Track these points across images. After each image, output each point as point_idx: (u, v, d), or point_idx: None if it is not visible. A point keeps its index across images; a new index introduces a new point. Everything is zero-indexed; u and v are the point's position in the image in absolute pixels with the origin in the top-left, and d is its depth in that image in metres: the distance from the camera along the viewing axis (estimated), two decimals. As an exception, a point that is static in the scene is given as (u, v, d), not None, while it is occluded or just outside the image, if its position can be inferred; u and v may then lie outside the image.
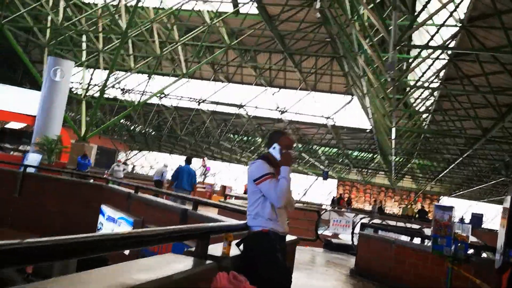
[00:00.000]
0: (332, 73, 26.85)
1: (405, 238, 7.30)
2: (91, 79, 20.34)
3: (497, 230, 25.33)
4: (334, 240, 9.48)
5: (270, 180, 3.24)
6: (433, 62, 13.12)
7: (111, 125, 31.92)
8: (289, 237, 4.18)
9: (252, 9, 20.51)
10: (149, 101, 32.08)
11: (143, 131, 40.18)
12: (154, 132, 39.95)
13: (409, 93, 14.71)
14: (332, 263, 8.25)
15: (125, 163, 17.24)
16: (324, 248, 9.65)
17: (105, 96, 27.30)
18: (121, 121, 39.38)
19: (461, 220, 30.38)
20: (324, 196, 51.83)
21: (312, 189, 52.30)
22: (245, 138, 37.26)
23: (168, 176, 15.35)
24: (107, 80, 17.55)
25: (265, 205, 3.27)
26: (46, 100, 15.84)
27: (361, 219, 11.65)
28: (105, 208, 9.08)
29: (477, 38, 11.84)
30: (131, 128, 38.98)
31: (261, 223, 3.25)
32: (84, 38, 21.32)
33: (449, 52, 13.56)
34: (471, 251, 5.58)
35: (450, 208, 5.39)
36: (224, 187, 21.72)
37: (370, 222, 10.25)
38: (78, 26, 19.83)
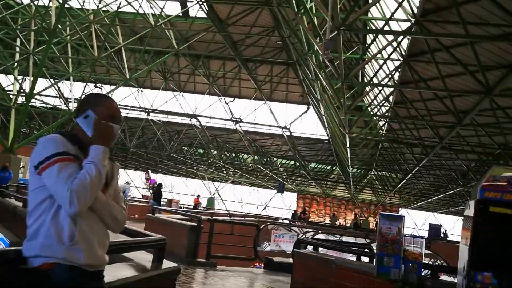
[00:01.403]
0: (288, 81, 25.95)
1: (350, 256, 6.17)
2: (20, 85, 18.45)
3: (457, 242, 24.76)
4: (275, 259, 8.23)
5: (61, 164, 1.89)
6: (385, 61, 12.25)
7: (42, 136, 29.64)
8: (166, 264, 2.89)
9: (201, 12, 19.37)
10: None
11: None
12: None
13: (361, 92, 13.82)
14: None
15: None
16: (264, 268, 8.38)
17: (41, 105, 25.40)
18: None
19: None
20: (285, 210, 50.88)
21: (272, 203, 51.31)
22: (200, 151, 35.78)
23: (130, 194, 14.58)
24: (33, 85, 15.84)
25: (56, 215, 1.88)
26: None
27: (314, 234, 10.48)
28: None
29: (433, 34, 11.04)
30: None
31: (43, 251, 1.86)
32: (18, 41, 19.52)
33: (403, 52, 12.77)
34: (426, 272, 4.41)
35: (399, 218, 4.22)
36: (170, 201, 20.30)
37: (311, 237, 9.03)
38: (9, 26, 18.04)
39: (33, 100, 28.34)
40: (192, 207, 25.39)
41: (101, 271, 2.05)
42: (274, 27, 19.79)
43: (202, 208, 24.53)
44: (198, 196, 27.02)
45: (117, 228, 2.11)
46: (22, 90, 17.81)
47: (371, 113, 19.68)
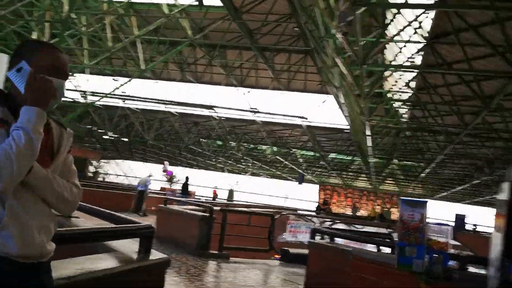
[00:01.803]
0: (306, 70, 25.37)
1: (371, 247, 5.75)
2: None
3: (484, 233, 23.95)
4: (291, 250, 7.87)
5: None
6: (405, 44, 11.67)
7: None
8: (156, 254, 2.55)
9: (216, 0, 18.98)
10: (113, 104, 30.36)
11: (111, 137, 38.20)
12: (124, 138, 37.99)
13: (379, 77, 13.28)
14: (289, 281, 6.63)
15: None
16: (280, 260, 8.03)
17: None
18: (88, 127, 37.45)
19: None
20: (306, 202, 50.41)
21: (292, 195, 50.89)
22: (218, 143, 35.54)
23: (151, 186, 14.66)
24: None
25: None
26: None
27: (331, 224, 10.04)
28: None
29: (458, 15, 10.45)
30: (92, 133, 36.96)
31: None
32: (35, 34, 19.46)
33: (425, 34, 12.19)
34: (452, 264, 3.98)
35: (422, 204, 3.79)
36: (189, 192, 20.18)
37: (330, 226, 8.56)
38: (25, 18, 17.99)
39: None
40: (211, 199, 25.23)
41: (43, 263, 1.66)
42: (290, 14, 19.26)
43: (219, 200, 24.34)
44: (216, 187, 26.81)
45: (66, 209, 1.74)
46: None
47: (392, 100, 19.09)
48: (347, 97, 17.09)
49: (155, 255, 2.57)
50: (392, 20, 11.51)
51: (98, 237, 2.26)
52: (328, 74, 19.39)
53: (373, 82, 12.81)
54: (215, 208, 8.42)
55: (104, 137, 37.55)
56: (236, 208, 11.94)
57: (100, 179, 46.43)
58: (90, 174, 46.33)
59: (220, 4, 19.34)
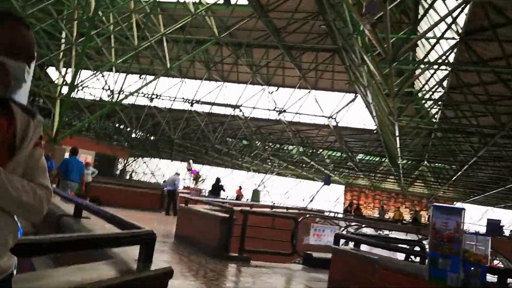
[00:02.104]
0: (333, 69, 24.91)
1: (400, 256, 5.36)
2: (63, 76, 18.57)
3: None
4: (315, 254, 7.54)
5: None
6: (438, 40, 11.12)
7: (84, 126, 30.27)
8: (157, 264, 2.30)
9: (242, -1, 18.81)
10: (140, 103, 30.57)
11: (139, 136, 38.55)
12: (151, 137, 38.29)
13: (410, 75, 12.76)
14: None
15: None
16: (303, 264, 7.71)
17: (89, 97, 25.73)
18: (117, 126, 37.89)
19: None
20: (332, 203, 49.75)
21: (319, 196, 50.27)
22: (244, 142, 35.37)
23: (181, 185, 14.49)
24: (75, 76, 15.81)
25: None
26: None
27: (357, 228, 9.63)
28: None
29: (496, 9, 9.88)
30: (121, 131, 37.33)
31: None
32: (63, 34, 19.71)
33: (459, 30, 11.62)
34: (492, 278, 3.59)
35: (457, 211, 3.43)
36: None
37: (357, 231, 8.14)
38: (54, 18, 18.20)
39: (81, 92, 29.10)
40: (235, 198, 25.04)
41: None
42: (317, 12, 18.88)
43: (246, 200, 24.13)
44: (240, 187, 26.59)
45: (30, 216, 1.43)
46: (65, 82, 17.85)
47: (423, 99, 18.44)
48: (376, 97, 16.60)
49: (156, 264, 2.31)
50: (424, 15, 11.01)
51: (83, 246, 1.98)
52: (356, 73, 18.93)
53: (403, 80, 12.30)
54: (236, 209, 8.17)
55: (132, 135, 37.93)
56: (257, 210, 11.65)
57: (127, 177, 46.98)
58: (118, 172, 46.89)
59: (246, 2, 19.21)
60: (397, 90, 11.22)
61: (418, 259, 5.32)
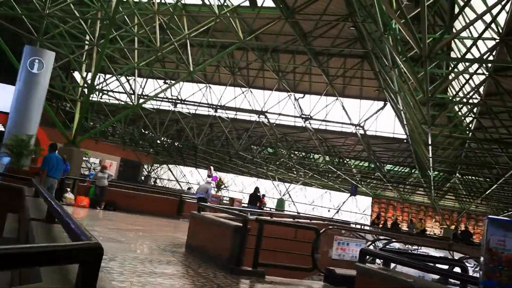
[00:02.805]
0: (362, 75, 24.04)
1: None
2: (84, 78, 18.34)
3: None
4: (338, 270, 6.76)
5: None
6: (475, 41, 10.23)
7: (103, 128, 30.21)
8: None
9: (269, 1, 18.23)
10: (164, 108, 30.33)
11: (164, 142, 38.37)
12: (175, 143, 38.03)
13: (444, 80, 11.88)
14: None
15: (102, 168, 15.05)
16: (324, 281, 6.94)
17: (114, 101, 25.53)
18: (142, 131, 37.80)
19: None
20: (358, 215, 48.40)
21: (345, 206, 49.00)
22: (270, 150, 34.68)
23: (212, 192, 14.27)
24: (94, 77, 15.51)
25: None
26: (21, 95, 13.89)
27: (386, 243, 8.78)
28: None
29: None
30: (145, 137, 37.18)
31: None
32: (87, 36, 19.55)
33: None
34: None
35: (520, 228, 2.65)
36: (232, 200, 19.31)
37: (381, 247, 7.24)
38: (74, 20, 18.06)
39: (105, 96, 29.05)
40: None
41: None
42: (347, 15, 18.13)
43: (269, 209, 23.40)
44: (263, 195, 25.83)
45: None
46: (86, 84, 17.60)
47: (457, 106, 17.41)
48: (407, 103, 15.69)
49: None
50: (459, 13, 10.15)
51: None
52: (387, 78, 18.05)
53: (437, 86, 11.41)
54: (254, 217, 7.49)
55: (157, 141, 37.78)
56: (273, 219, 10.90)
57: (151, 183, 46.92)
58: (142, 178, 46.91)
59: (273, 5, 18.64)
60: (430, 96, 10.35)
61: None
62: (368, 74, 23.78)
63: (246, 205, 20.73)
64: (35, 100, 14.01)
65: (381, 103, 24.69)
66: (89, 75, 19.93)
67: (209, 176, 19.53)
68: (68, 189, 13.84)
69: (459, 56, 13.33)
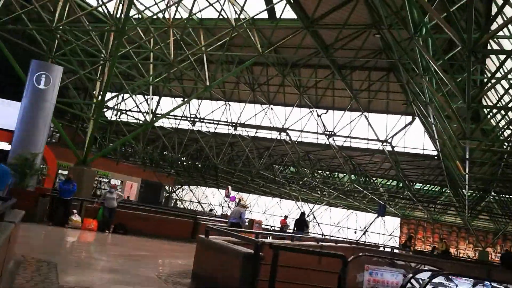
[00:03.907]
0: (388, 89, 22.81)
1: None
2: (94, 96, 17.66)
3: None
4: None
5: None
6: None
7: (115, 148, 29.59)
8: None
9: (288, 14, 17.37)
10: (184, 127, 29.59)
11: (184, 162, 37.61)
12: (196, 163, 37.21)
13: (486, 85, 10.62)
14: None
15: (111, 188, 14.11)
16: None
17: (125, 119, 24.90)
18: (162, 152, 37.15)
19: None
20: (387, 236, 46.34)
21: (372, 228, 47.03)
22: (292, 169, 33.46)
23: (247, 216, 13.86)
24: (104, 92, 14.78)
25: None
26: (27, 111, 13.23)
27: (432, 275, 7.42)
28: None
29: None
30: (165, 157, 36.49)
31: None
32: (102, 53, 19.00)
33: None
34: None
35: None
36: (252, 221, 18.15)
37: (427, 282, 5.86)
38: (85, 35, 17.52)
39: (124, 116, 28.54)
40: (278, 228, 23.05)
41: None
42: (371, 24, 17.03)
43: (290, 231, 22.05)
44: (286, 217, 24.60)
45: None
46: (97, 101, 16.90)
47: (493, 119, 15.99)
48: (439, 115, 14.39)
49: None
50: (499, 13, 8.97)
51: None
52: (416, 88, 16.81)
53: (480, 90, 10.17)
54: (275, 241, 6.36)
55: (177, 162, 37.06)
56: (297, 243, 9.68)
57: (172, 204, 46.14)
58: (163, 200, 46.19)
59: (292, 16, 17.76)
60: (473, 99, 9.12)
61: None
62: (394, 87, 22.56)
63: (292, 230, 20.84)
64: (41, 117, 13.32)
65: (409, 118, 23.31)
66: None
67: (227, 196, 18.53)
68: (75, 211, 12.97)
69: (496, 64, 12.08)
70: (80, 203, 13.55)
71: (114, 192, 13.56)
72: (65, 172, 13.68)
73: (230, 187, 20.30)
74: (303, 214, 19.42)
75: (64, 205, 12.69)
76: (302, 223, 18.40)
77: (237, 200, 20.26)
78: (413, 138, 24.36)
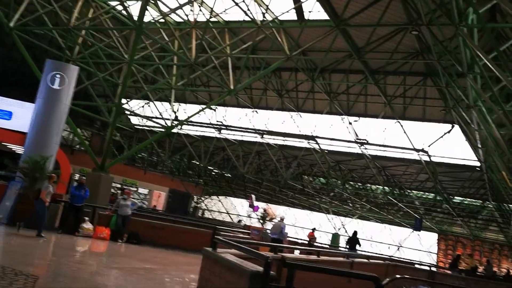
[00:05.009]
0: (425, 94, 21.36)
1: None
2: (113, 99, 17.06)
3: None
4: None
5: None
6: None
7: (133, 154, 29.08)
8: None
9: (317, 14, 16.38)
10: (210, 135, 28.83)
11: (212, 172, 36.86)
12: (221, 172, 36.37)
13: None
14: None
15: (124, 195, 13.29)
16: None
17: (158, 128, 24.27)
18: (188, 161, 36.56)
19: None
20: (423, 252, 44.04)
21: (407, 243, 44.85)
22: (322, 180, 32.11)
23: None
24: (121, 94, 14.11)
25: None
26: (40, 112, 12.65)
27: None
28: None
29: None
30: (193, 166, 35.82)
31: None
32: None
33: None
34: None
35: None
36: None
37: None
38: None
39: (151, 122, 28.05)
40: (307, 242, 21.78)
41: None
42: (407, 24, 15.73)
43: (317, 244, 20.79)
44: (314, 229, 23.29)
45: None
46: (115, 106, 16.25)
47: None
48: (485, 120, 12.98)
49: None
50: None
51: None
52: (458, 92, 15.41)
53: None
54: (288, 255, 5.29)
55: (204, 171, 36.35)
56: (320, 259, 8.48)
57: (199, 215, 45.43)
58: (191, 210, 45.49)
59: (322, 17, 16.74)
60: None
61: None
62: (431, 93, 21.08)
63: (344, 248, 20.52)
64: (55, 119, 12.70)
65: (448, 126, 21.73)
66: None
67: (250, 206, 17.55)
68: (87, 218, 12.20)
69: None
70: (93, 210, 12.78)
71: (128, 199, 12.74)
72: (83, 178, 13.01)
73: (253, 196, 19.31)
74: (355, 232, 19.13)
75: (75, 212, 11.95)
76: (354, 241, 18.20)
77: (259, 208, 19.37)
78: (453, 147, 22.71)
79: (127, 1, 15.45)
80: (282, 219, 15.75)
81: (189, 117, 18.52)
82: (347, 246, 19.02)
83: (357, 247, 18.57)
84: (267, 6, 15.28)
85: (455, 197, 28.69)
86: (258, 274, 4.51)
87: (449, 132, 21.69)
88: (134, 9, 16.10)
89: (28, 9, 15.61)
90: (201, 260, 6.34)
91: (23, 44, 15.36)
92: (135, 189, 41.52)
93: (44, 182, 10.92)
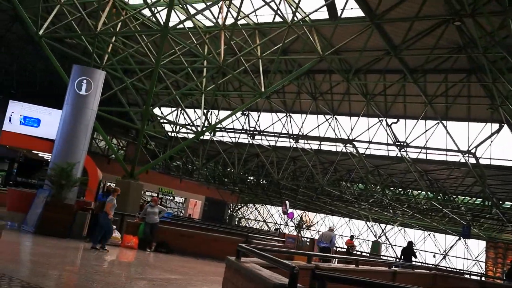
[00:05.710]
0: (469, 93, 20.08)
1: None
2: (143, 107, 16.78)
3: None
4: None
5: None
6: None
7: (168, 162, 28.80)
8: None
9: (350, 12, 15.64)
10: (242, 141, 28.34)
11: (248, 179, 36.31)
12: (255, 179, 35.76)
13: None
14: None
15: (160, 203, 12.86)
16: None
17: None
18: (223, 168, 36.18)
19: None
20: (470, 261, 41.82)
21: (453, 251, 42.71)
22: (360, 186, 30.95)
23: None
24: (148, 102, 13.75)
25: None
26: (68, 119, 12.45)
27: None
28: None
29: None
30: (227, 173, 35.37)
31: None
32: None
33: None
34: None
35: None
36: (313, 241, 16.16)
37: None
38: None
39: (184, 130, 27.91)
40: (344, 250, 20.78)
41: None
42: (449, 17, 14.65)
43: (360, 253, 19.75)
44: (352, 237, 22.25)
45: None
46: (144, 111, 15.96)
47: None
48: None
49: None
50: None
51: None
52: (508, 86, 14.25)
53: None
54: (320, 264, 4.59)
55: (240, 178, 35.84)
56: (342, 276, 7.66)
57: (235, 223, 44.93)
58: (227, 218, 45.11)
59: (355, 14, 15.97)
60: None
61: None
62: (476, 91, 19.78)
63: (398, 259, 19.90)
64: (82, 125, 12.46)
65: (496, 125, 20.32)
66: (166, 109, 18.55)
67: (284, 212, 16.85)
68: (114, 227, 11.83)
69: None
70: (121, 218, 12.43)
71: (156, 207, 12.31)
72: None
73: (287, 203, 18.59)
74: (410, 243, 18.38)
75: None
76: (410, 252, 17.55)
77: (294, 215, 18.62)
78: (502, 148, 21.23)
79: (155, 7, 15.30)
80: (331, 229, 15.87)
81: (220, 121, 18.06)
82: (402, 258, 18.17)
83: (413, 258, 17.59)
84: (297, 4, 14.64)
85: (506, 202, 26.91)
86: (283, 287, 3.83)
87: (497, 132, 20.27)
88: (164, 15, 15.96)
89: (57, 17, 15.60)
90: (224, 270, 5.71)
91: (54, 53, 15.39)
92: (171, 198, 41.57)
93: (109, 195, 10.83)
